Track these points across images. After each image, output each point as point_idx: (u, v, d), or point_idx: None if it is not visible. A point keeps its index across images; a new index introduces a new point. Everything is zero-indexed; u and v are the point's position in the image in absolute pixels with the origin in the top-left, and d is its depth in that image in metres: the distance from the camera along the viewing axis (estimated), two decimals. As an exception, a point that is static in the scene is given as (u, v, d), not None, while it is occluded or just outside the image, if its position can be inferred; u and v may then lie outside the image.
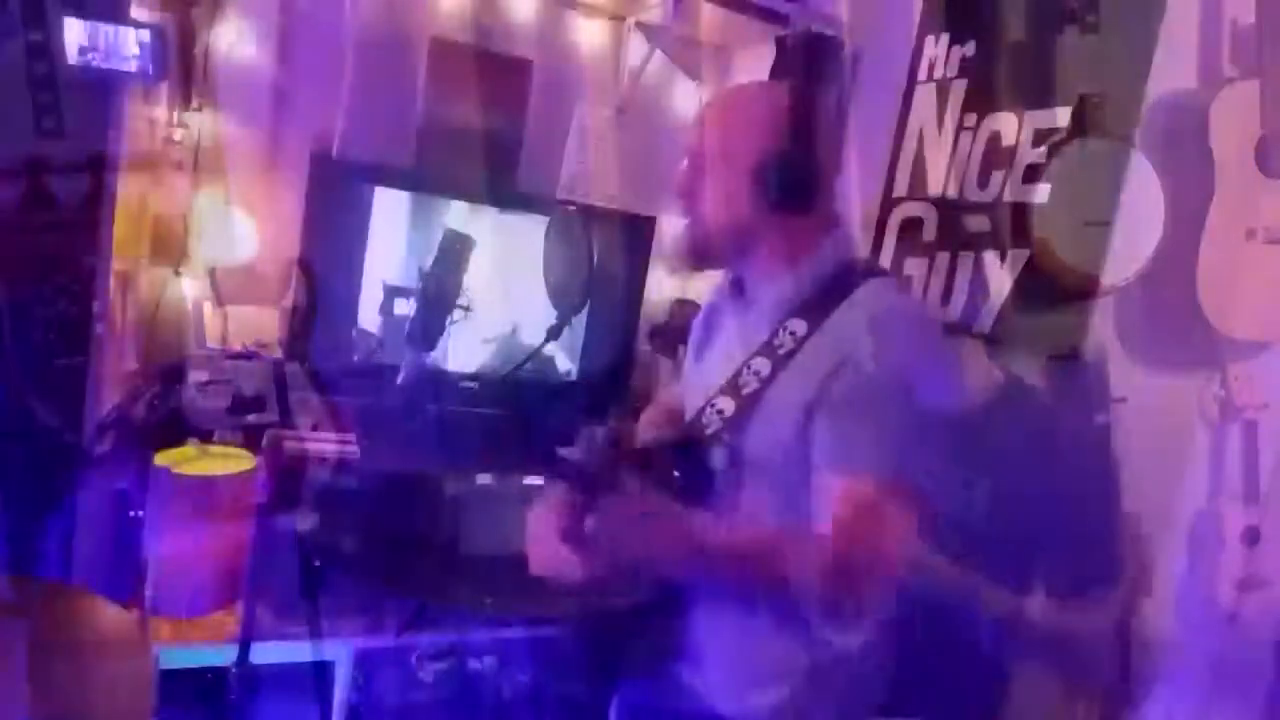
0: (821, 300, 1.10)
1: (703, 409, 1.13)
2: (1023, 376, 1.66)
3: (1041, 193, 1.62)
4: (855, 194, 2.19)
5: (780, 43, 2.30)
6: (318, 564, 1.84)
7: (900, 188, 2.01)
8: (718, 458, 1.12)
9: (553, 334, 1.48)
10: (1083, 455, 1.53)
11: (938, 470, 1.07)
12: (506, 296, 2.31)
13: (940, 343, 1.20)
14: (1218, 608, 1.27)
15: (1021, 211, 1.67)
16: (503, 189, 2.41)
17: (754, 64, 2.59)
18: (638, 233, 2.51)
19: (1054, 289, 1.60)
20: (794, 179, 1.12)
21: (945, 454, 1.09)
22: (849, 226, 1.22)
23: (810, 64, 2.24)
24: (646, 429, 1.45)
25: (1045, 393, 1.62)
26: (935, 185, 1.90)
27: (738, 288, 1.24)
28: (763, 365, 1.10)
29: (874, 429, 1.02)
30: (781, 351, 1.09)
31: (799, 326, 1.09)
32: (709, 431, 1.12)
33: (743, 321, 1.21)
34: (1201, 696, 1.28)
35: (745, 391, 1.11)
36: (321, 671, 1.83)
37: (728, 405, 1.11)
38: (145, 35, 1.41)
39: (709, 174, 1.15)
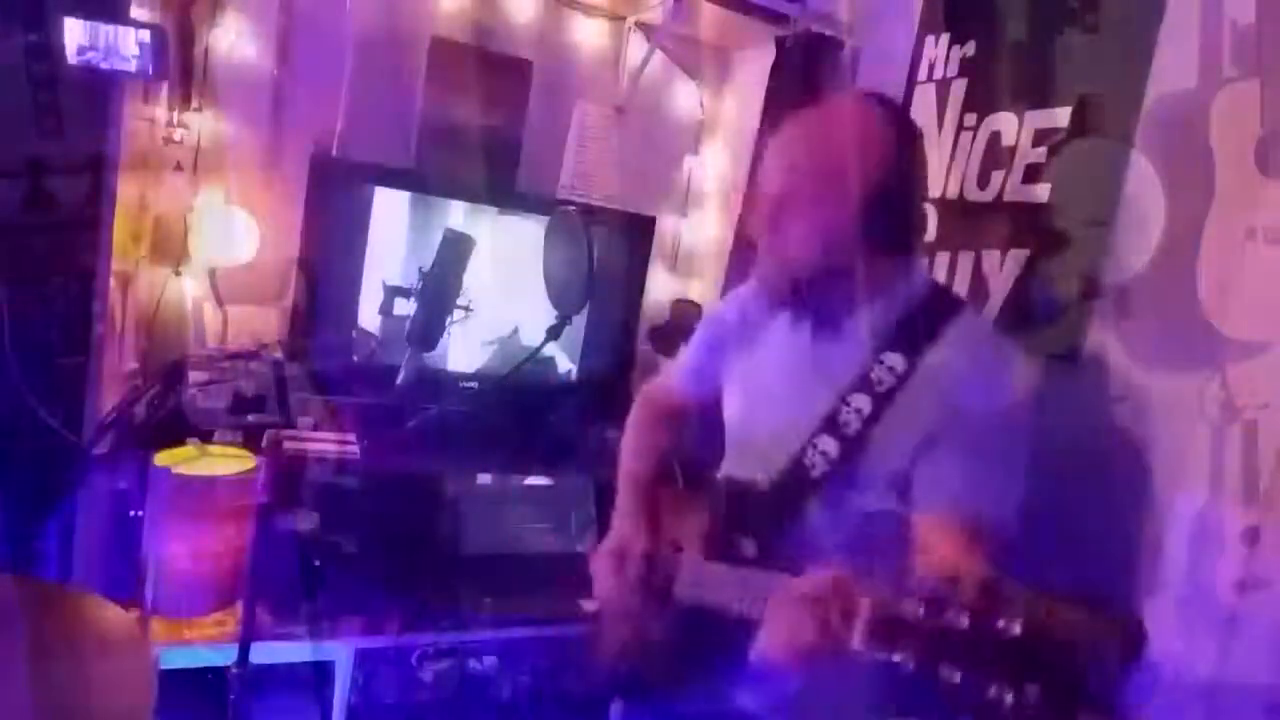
0: (913, 333, 1.06)
1: (803, 449, 1.08)
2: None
3: (1041, 192, 1.63)
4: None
5: (780, 43, 2.30)
6: (318, 564, 1.84)
7: (900, 188, 2.01)
8: (818, 503, 1.07)
9: (553, 334, 1.49)
10: (1083, 456, 1.53)
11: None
12: (507, 297, 2.31)
13: (1029, 374, 1.12)
14: (1217, 608, 1.27)
15: (1021, 211, 1.67)
16: (503, 189, 2.42)
17: (754, 64, 2.59)
18: (638, 233, 2.51)
19: (1054, 289, 1.60)
20: (904, 215, 1.07)
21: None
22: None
23: (810, 64, 2.24)
24: (651, 433, 1.41)
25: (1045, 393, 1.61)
26: (935, 185, 1.90)
27: (808, 310, 1.15)
28: (864, 403, 1.05)
29: (995, 469, 1.00)
30: (881, 389, 1.05)
31: (897, 362, 1.05)
32: (814, 474, 1.06)
33: (822, 348, 1.14)
34: (1201, 698, 1.28)
35: (849, 431, 1.05)
36: (321, 671, 1.83)
37: (831, 447, 1.06)
38: (145, 35, 1.41)
39: (808, 206, 1.05)
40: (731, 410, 1.30)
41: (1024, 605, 0.60)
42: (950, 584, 0.66)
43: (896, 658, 0.67)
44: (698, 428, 1.41)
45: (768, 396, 1.21)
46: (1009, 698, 0.58)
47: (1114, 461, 1.46)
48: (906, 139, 1.08)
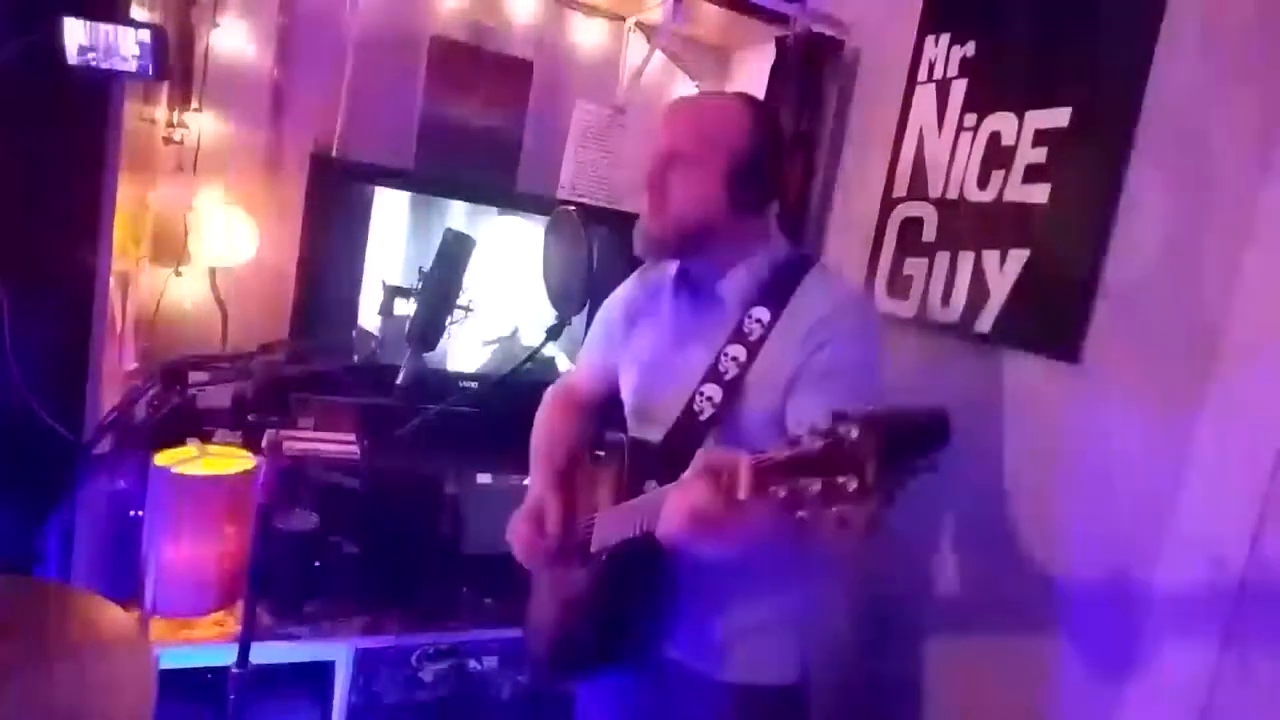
0: (777, 289, 1.23)
1: (692, 397, 1.22)
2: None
3: (1041, 193, 1.63)
4: (855, 194, 2.20)
5: (780, 43, 2.30)
6: (318, 564, 1.84)
7: (900, 188, 2.01)
8: (711, 443, 1.19)
9: (553, 334, 1.49)
10: (1083, 456, 1.53)
11: None
12: (507, 297, 2.31)
13: (876, 320, 1.39)
14: (1214, 611, 1.27)
15: (1021, 211, 1.67)
16: (503, 189, 2.42)
17: (754, 64, 2.59)
18: (638, 233, 2.51)
19: (1054, 289, 1.60)
20: (763, 183, 1.24)
21: None
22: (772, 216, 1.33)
23: (810, 64, 2.24)
24: (558, 417, 1.51)
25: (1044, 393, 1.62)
26: (935, 185, 1.90)
27: (684, 280, 1.34)
28: (739, 351, 1.21)
29: (845, 396, 1.08)
30: (753, 338, 1.21)
31: (763, 314, 1.22)
32: (703, 418, 1.21)
33: (701, 312, 1.30)
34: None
35: (728, 377, 1.21)
36: (321, 671, 1.83)
37: (715, 392, 1.21)
38: (145, 35, 1.41)
39: (682, 172, 1.22)
40: (626, 383, 1.42)
41: (860, 419, 0.72)
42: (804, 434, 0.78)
43: (774, 490, 0.79)
44: (600, 422, 1.51)
45: (656, 363, 1.35)
46: (853, 482, 0.71)
47: (1113, 461, 1.46)
48: (763, 120, 1.25)
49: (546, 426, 1.51)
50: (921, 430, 0.71)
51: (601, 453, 1.39)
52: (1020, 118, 1.70)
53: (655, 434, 1.26)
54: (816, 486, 0.74)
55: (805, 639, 1.33)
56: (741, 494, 0.83)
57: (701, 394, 1.21)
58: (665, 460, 1.17)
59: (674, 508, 0.94)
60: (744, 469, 0.83)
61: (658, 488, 1.10)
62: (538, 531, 1.33)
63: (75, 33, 1.38)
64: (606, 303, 1.55)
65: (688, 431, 1.21)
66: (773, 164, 1.26)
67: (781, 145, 1.31)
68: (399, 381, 1.39)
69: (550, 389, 1.60)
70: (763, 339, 1.21)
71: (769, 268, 1.26)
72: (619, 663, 1.32)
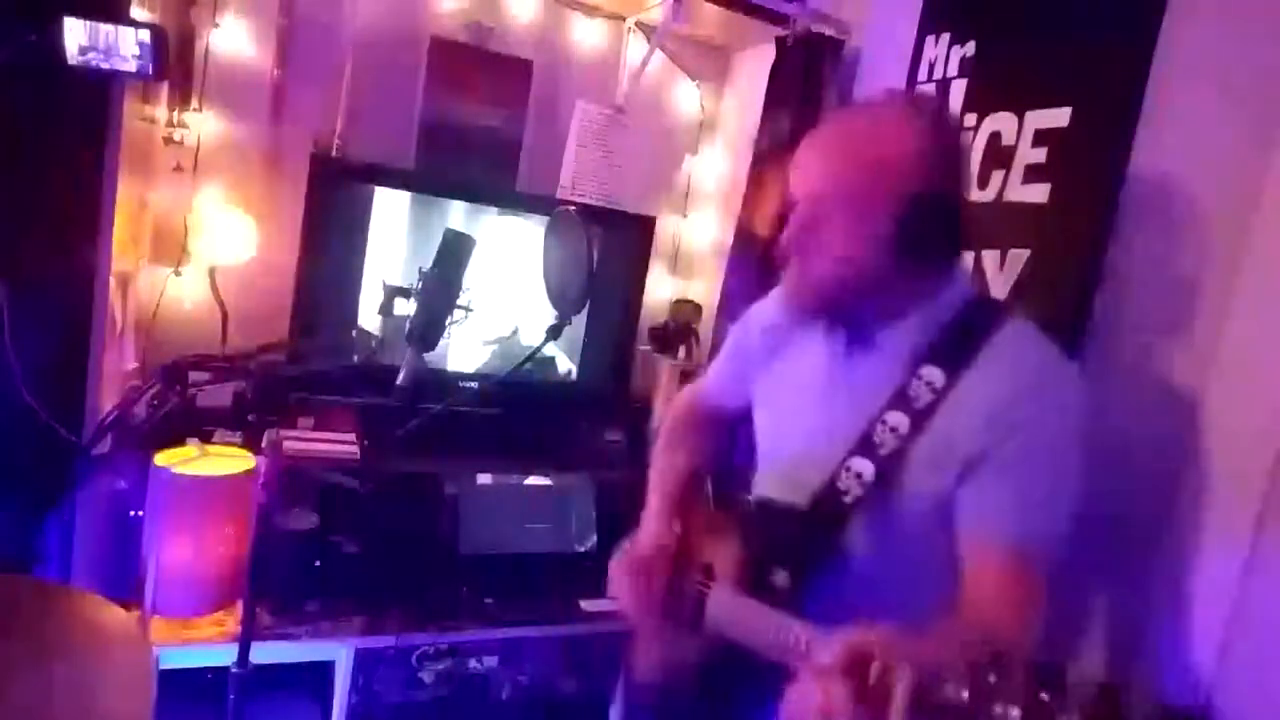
0: (955, 346, 0.99)
1: (836, 472, 1.01)
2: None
3: (1041, 193, 1.62)
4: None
5: (780, 43, 2.30)
6: (318, 564, 1.84)
7: (900, 188, 2.01)
8: (854, 528, 1.01)
9: (553, 334, 1.49)
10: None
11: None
12: (507, 297, 2.31)
13: (1076, 384, 1.05)
14: (1213, 615, 1.27)
15: (1021, 211, 1.67)
16: (503, 189, 2.42)
17: (754, 64, 2.59)
18: (638, 233, 2.51)
19: (1054, 289, 1.60)
20: (941, 225, 0.99)
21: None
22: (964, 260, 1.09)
23: (810, 64, 2.24)
24: (690, 439, 1.34)
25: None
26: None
27: (840, 323, 1.09)
28: (900, 421, 0.98)
29: (1039, 492, 0.94)
30: (920, 405, 0.97)
31: (935, 377, 0.98)
32: (848, 499, 1.00)
33: (855, 363, 1.07)
34: None
35: (884, 452, 0.98)
36: (321, 671, 1.83)
37: (866, 469, 0.99)
38: (145, 35, 1.41)
39: (837, 217, 0.98)
40: (761, 424, 1.24)
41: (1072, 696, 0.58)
42: (996, 661, 0.62)
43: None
44: (730, 437, 1.35)
45: (797, 412, 1.14)
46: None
47: (1114, 462, 1.46)
48: (947, 145, 1.00)
49: (670, 440, 1.34)
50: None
51: (721, 493, 1.26)
52: (1020, 118, 1.70)
53: (788, 498, 1.06)
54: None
55: None
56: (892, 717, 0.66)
57: (848, 469, 1.00)
58: (798, 543, 1.02)
59: (799, 704, 0.77)
60: (898, 698, 0.65)
61: (792, 623, 0.92)
62: (643, 580, 1.16)
63: (75, 32, 1.38)
64: (746, 316, 1.33)
65: (828, 512, 1.01)
66: (956, 197, 1.00)
67: (965, 169, 1.03)
68: (399, 381, 1.39)
69: (682, 392, 1.44)
70: (933, 407, 0.97)
71: (949, 317, 1.01)
72: None
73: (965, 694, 0.62)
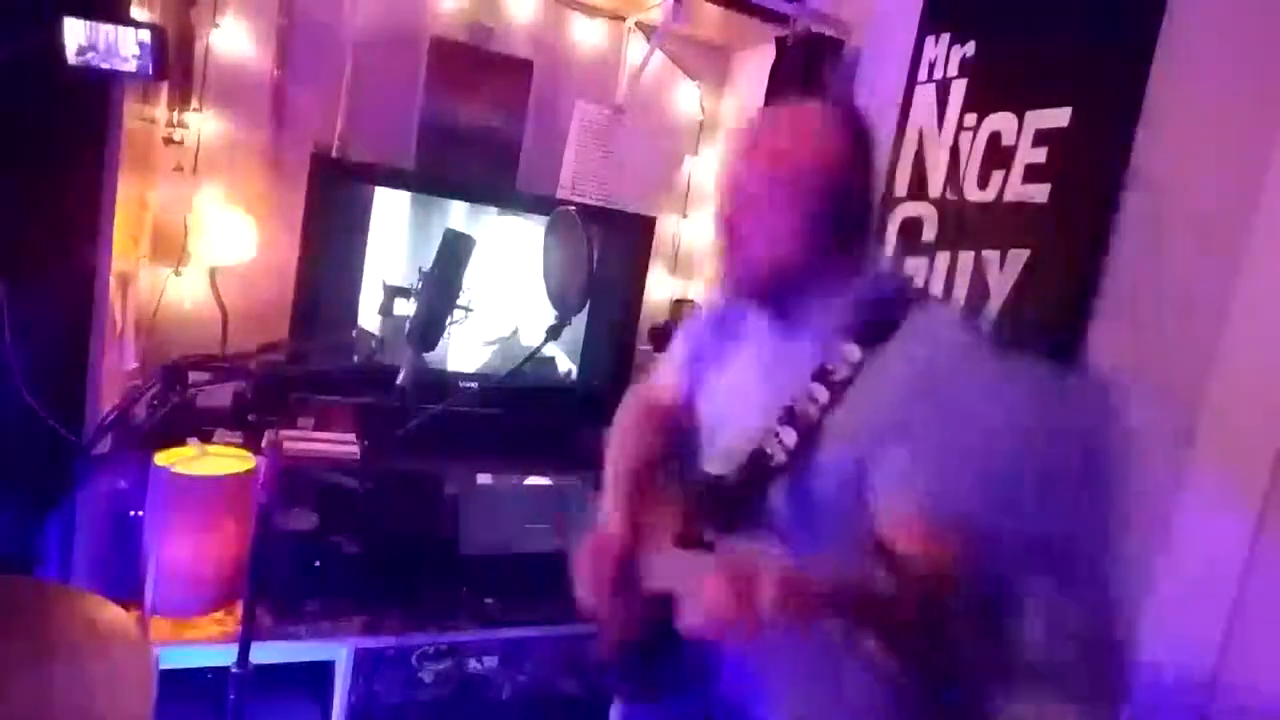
0: (875, 325, 1.07)
1: (766, 439, 1.09)
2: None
3: (1041, 192, 1.63)
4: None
5: (780, 43, 2.30)
6: (318, 564, 1.84)
7: (900, 188, 2.01)
8: (779, 491, 1.08)
9: (553, 334, 1.49)
10: (1084, 456, 1.52)
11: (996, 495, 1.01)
12: (507, 297, 2.31)
13: (998, 366, 1.12)
14: (1213, 614, 1.27)
15: (1021, 211, 1.67)
16: (503, 189, 2.42)
17: (754, 64, 2.59)
18: (638, 233, 2.51)
19: (1054, 289, 1.60)
20: (859, 216, 1.10)
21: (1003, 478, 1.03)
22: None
23: (810, 64, 2.24)
24: (638, 433, 1.39)
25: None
26: (935, 185, 1.90)
27: (775, 307, 1.18)
28: (820, 392, 1.06)
29: (947, 460, 0.98)
30: (837, 378, 1.06)
31: (853, 352, 1.06)
32: (773, 463, 1.08)
33: (786, 343, 1.16)
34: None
35: (806, 420, 1.07)
36: (321, 671, 1.83)
37: (790, 436, 1.07)
38: (145, 35, 1.41)
39: (769, 208, 1.08)
40: (705, 410, 1.32)
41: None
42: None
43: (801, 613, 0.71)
44: (682, 430, 1.39)
45: (738, 392, 1.23)
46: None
47: (1112, 461, 1.46)
48: (862, 142, 1.10)
49: (623, 440, 1.39)
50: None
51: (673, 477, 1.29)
52: (1020, 118, 1.70)
53: (724, 470, 1.15)
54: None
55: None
56: (763, 613, 0.73)
57: (776, 436, 1.09)
58: (728, 504, 1.09)
59: (691, 608, 0.83)
60: (767, 585, 0.72)
61: (711, 544, 0.96)
62: (597, 568, 1.21)
63: (75, 33, 1.38)
64: (696, 313, 1.44)
65: (755, 475, 1.10)
66: (870, 191, 1.11)
67: (877, 167, 1.13)
68: (399, 381, 1.39)
69: (632, 390, 1.49)
70: (848, 380, 1.05)
71: (870, 299, 1.11)
72: (685, 701, 1.22)
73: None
